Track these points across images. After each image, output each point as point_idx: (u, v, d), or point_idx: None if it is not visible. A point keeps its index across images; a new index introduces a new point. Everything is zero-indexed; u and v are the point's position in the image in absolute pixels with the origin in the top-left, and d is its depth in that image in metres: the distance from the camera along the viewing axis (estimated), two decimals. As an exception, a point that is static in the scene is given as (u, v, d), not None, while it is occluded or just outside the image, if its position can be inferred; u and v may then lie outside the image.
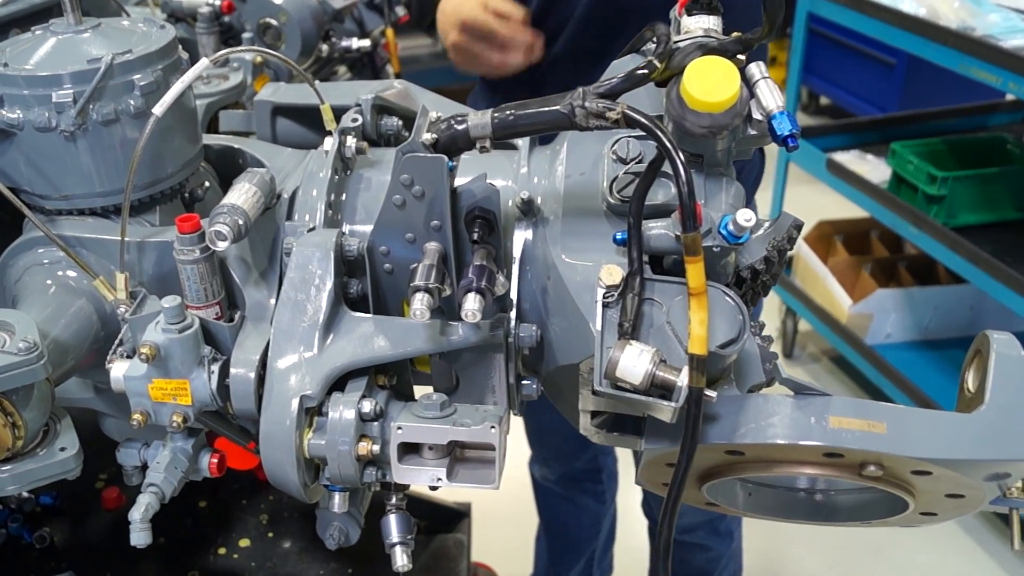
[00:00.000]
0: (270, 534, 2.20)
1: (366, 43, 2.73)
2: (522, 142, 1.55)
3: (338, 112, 1.62)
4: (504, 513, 3.59)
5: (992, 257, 4.04)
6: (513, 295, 1.43)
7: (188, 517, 2.23)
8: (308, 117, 1.77)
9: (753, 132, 1.29)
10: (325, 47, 2.60)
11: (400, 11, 3.02)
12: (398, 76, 2.88)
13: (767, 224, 1.42)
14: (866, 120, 5.76)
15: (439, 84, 1.69)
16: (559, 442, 3.37)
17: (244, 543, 2.17)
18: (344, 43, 2.68)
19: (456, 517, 2.98)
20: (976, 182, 4.49)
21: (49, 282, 1.47)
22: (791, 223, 1.42)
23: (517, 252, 1.44)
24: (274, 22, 2.45)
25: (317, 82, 1.65)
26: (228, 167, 1.71)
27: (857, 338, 5.03)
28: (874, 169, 4.99)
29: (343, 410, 1.33)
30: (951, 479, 1.29)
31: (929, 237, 4.36)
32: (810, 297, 5.33)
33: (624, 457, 3.57)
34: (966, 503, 1.38)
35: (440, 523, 2.95)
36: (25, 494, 2.20)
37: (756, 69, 1.29)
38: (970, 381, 1.35)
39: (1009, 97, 5.11)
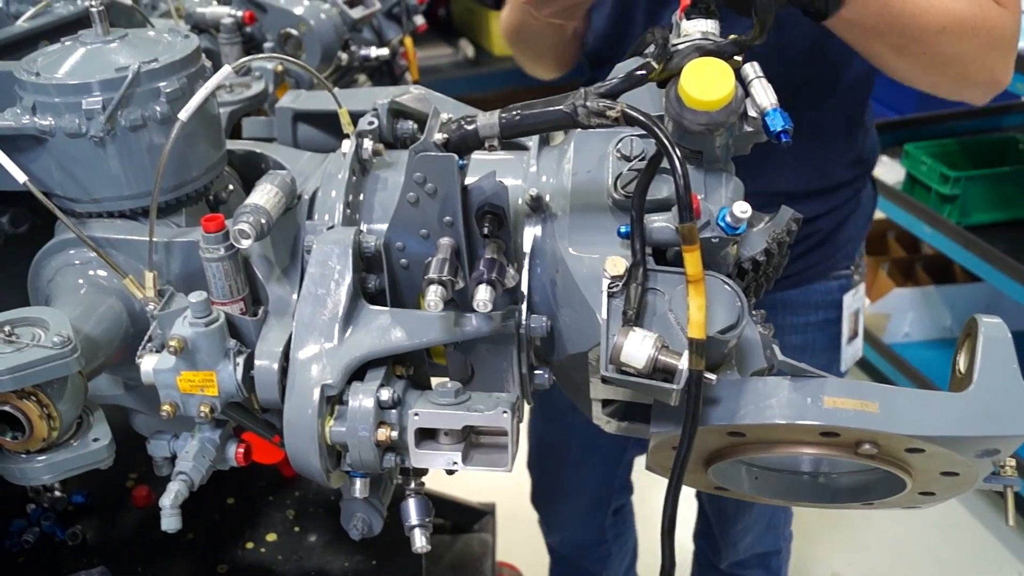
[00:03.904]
0: (296, 528, 2.25)
1: (384, 52, 2.77)
2: (532, 142, 1.60)
3: (356, 117, 1.67)
4: (529, 514, 3.61)
5: (1005, 255, 4.08)
6: (524, 288, 1.48)
7: (216, 513, 2.28)
8: (328, 122, 1.83)
9: (749, 129, 1.34)
10: (344, 56, 2.65)
11: (418, 20, 3.07)
12: (416, 84, 2.92)
13: (767, 218, 1.48)
14: (880, 122, 5.74)
15: (460, 93, 1.74)
16: (565, 510, 3.37)
17: (271, 537, 2.22)
18: (363, 52, 2.73)
19: (481, 517, 3.03)
20: (989, 181, 4.52)
21: (81, 281, 1.53)
22: (790, 216, 1.47)
23: (527, 247, 1.49)
24: (294, 32, 2.51)
25: (336, 89, 1.71)
26: (251, 171, 1.77)
27: (876, 337, 5.06)
28: (889, 171, 5.02)
29: (362, 398, 1.38)
30: (944, 456, 1.34)
31: (943, 236, 4.40)
32: (828, 298, 5.35)
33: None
34: (961, 481, 1.42)
35: (465, 523, 2.99)
36: (58, 493, 2.25)
37: (751, 69, 1.34)
38: (961, 363, 1.40)
39: (1024, 99, 5.15)
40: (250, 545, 2.20)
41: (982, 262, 4.19)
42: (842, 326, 2.56)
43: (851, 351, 2.58)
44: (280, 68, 2.27)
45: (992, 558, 4.36)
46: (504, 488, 3.45)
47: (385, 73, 2.97)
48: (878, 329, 5.09)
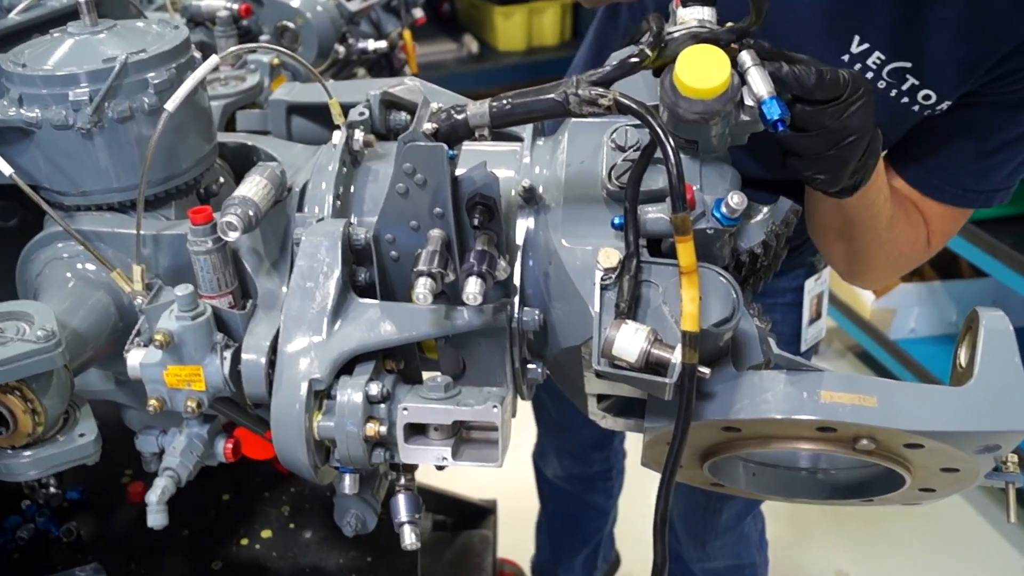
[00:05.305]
0: (291, 525, 2.23)
1: (382, 44, 2.76)
2: (526, 134, 1.58)
3: (350, 109, 1.66)
4: (530, 511, 3.61)
5: (1012, 250, 4.04)
6: (517, 281, 1.47)
7: (211, 509, 2.26)
8: (322, 115, 1.81)
9: (746, 118, 1.32)
10: (342, 49, 2.64)
11: (417, 13, 3.06)
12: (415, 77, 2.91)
13: (765, 210, 1.46)
14: (887, 117, 5.77)
15: (464, 88, 1.71)
16: (578, 442, 3.37)
17: (266, 534, 2.21)
18: (361, 45, 2.72)
19: (481, 513, 3.02)
20: (995, 176, 4.47)
21: (68, 275, 1.51)
22: (789, 208, 1.45)
23: (520, 239, 1.47)
24: (291, 25, 2.49)
25: (331, 81, 1.69)
26: (243, 164, 1.75)
27: (881, 333, 5.03)
28: (895, 165, 4.99)
29: (351, 393, 1.37)
30: (944, 452, 1.32)
31: (949, 231, 4.37)
32: (834, 293, 5.32)
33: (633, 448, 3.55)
34: (961, 477, 1.40)
35: (466, 519, 2.98)
36: (53, 490, 2.24)
37: (747, 57, 1.32)
38: (962, 356, 1.38)
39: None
40: (245, 541, 2.18)
41: (988, 257, 4.16)
42: (803, 309, 2.59)
43: (813, 332, 2.62)
44: (276, 61, 2.25)
45: (997, 555, 4.33)
46: (506, 485, 3.45)
47: (384, 67, 2.96)
48: (883, 325, 5.06)
